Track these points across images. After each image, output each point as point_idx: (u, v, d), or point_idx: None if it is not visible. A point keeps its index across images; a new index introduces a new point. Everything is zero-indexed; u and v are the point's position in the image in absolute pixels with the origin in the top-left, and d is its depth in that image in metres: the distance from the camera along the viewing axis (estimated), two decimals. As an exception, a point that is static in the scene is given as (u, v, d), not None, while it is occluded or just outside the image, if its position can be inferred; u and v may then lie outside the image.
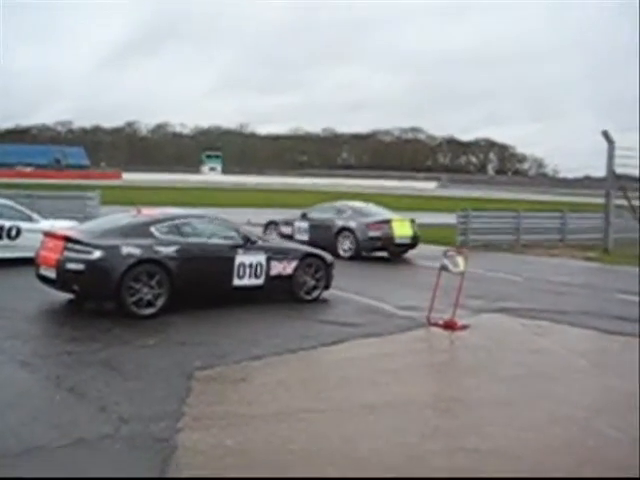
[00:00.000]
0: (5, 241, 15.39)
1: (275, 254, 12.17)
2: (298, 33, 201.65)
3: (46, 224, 15.55)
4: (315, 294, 12.56)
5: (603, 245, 25.18)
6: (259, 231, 18.60)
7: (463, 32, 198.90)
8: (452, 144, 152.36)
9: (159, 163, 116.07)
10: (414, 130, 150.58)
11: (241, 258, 11.71)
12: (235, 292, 11.81)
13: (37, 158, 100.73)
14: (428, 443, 6.19)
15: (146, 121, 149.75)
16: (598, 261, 22.21)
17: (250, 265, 11.79)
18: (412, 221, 20.62)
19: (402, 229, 20.03)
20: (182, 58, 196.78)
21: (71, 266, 10.34)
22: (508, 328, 11.32)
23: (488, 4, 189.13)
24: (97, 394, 7.02)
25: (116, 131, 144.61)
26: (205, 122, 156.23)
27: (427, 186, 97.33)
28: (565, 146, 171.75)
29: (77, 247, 10.46)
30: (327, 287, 12.77)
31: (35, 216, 16.39)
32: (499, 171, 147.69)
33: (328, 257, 13.01)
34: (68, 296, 11.27)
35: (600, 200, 27.44)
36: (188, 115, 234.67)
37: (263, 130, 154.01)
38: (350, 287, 13.70)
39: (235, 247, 11.75)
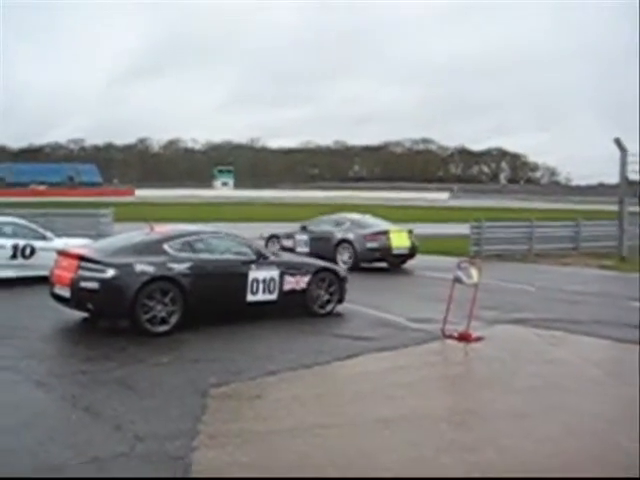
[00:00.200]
0: (20, 260, 15.49)
1: (288, 269, 12.18)
2: (307, 47, 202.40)
3: (60, 243, 15.64)
4: (329, 308, 12.56)
5: (617, 253, 25.05)
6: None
7: (470, 42, 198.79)
8: (464, 154, 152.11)
9: (171, 179, 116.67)
10: (425, 141, 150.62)
11: (254, 274, 11.72)
12: (249, 308, 11.82)
13: (50, 176, 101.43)
14: (444, 457, 6.16)
15: (158, 137, 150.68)
16: (612, 269, 22.08)
17: (263, 280, 11.81)
18: (410, 232, 20.89)
19: (400, 240, 20.33)
20: (193, 74, 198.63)
21: (85, 285, 10.39)
22: (523, 339, 11.27)
23: (492, 14, 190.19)
24: (112, 413, 7.04)
25: (128, 148, 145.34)
26: (216, 137, 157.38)
27: (439, 197, 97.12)
28: (577, 153, 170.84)
29: (91, 266, 10.50)
30: (341, 301, 12.77)
31: (49, 235, 16.49)
32: (511, 180, 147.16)
33: (341, 271, 13.03)
34: (82, 314, 11.31)
35: (614, 207, 27.29)
36: (199, 130, 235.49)
37: (274, 144, 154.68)
38: (362, 300, 13.66)
39: (248, 263, 11.77)
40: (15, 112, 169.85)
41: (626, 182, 25.08)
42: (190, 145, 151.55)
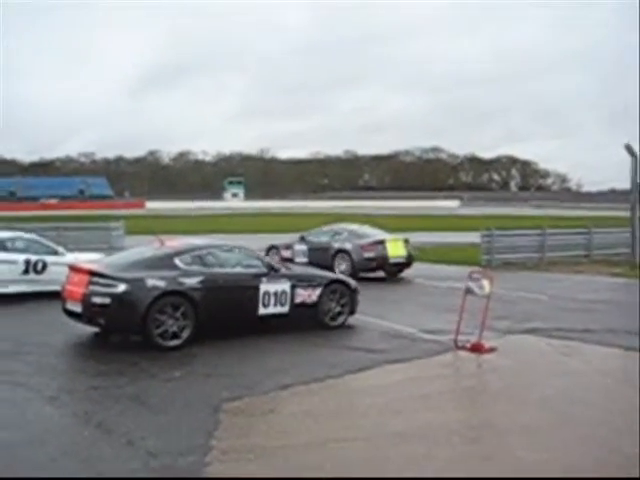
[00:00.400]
0: (32, 275, 15.55)
1: (299, 281, 12.16)
2: (316, 57, 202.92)
3: (71, 257, 15.69)
4: (340, 320, 12.52)
5: (630, 260, 24.89)
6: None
7: (479, 50, 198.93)
8: (474, 162, 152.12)
9: (182, 191, 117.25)
10: (435, 149, 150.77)
11: (266, 287, 11.71)
12: (260, 321, 11.81)
13: (61, 190, 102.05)
14: (458, 470, 6.12)
15: (168, 149, 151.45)
16: (625, 276, 21.90)
17: (275, 293, 11.79)
18: (406, 241, 21.15)
19: (396, 249, 20.55)
20: (202, 86, 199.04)
21: (97, 300, 10.41)
22: (535, 349, 11.20)
23: (502, 21, 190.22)
24: (125, 429, 7.03)
25: (138, 160, 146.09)
26: (226, 148, 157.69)
27: (450, 205, 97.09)
28: (588, 160, 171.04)
29: (102, 281, 10.52)
30: (352, 313, 12.73)
31: (60, 249, 16.54)
32: (522, 187, 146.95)
33: (352, 282, 12.98)
34: (94, 329, 11.31)
35: (626, 213, 27.12)
36: (209, 142, 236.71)
37: (284, 155, 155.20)
38: (372, 311, 13.60)
39: (259, 276, 11.76)
40: (26, 126, 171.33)
41: (638, 188, 24.92)
42: (200, 157, 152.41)
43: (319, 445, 6.69)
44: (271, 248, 22.56)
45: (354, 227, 22.17)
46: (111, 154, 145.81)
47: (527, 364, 10.24)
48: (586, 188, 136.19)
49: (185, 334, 10.61)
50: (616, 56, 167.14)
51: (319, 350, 10.82)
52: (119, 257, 12.30)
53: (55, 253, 16.14)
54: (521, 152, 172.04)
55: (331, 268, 18.97)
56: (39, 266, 15.61)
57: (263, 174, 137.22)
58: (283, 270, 12.25)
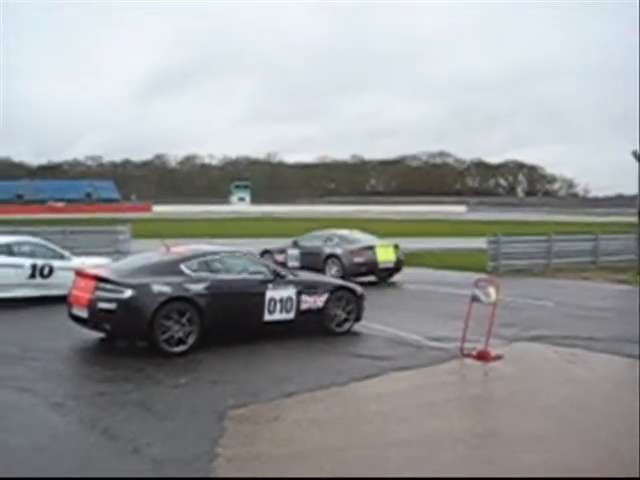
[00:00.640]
0: (38, 280, 15.58)
1: (305, 288, 12.16)
2: (322, 61, 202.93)
3: (77, 262, 15.74)
4: (346, 327, 12.51)
5: (636, 267, 24.81)
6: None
7: (486, 54, 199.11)
8: (480, 167, 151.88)
9: (188, 195, 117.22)
10: (442, 154, 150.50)
11: (271, 293, 11.71)
12: (266, 327, 11.80)
13: (69, 193, 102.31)
14: (460, 473, 6.12)
15: (174, 153, 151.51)
16: (632, 284, 21.86)
17: (280, 300, 11.78)
18: (396, 246, 21.65)
19: (385, 254, 21.16)
20: (209, 90, 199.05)
21: (103, 305, 10.43)
22: (541, 357, 11.18)
23: (508, 27, 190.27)
24: (130, 436, 7.04)
25: (145, 164, 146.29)
26: (233, 153, 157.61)
27: (456, 210, 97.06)
28: (595, 165, 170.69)
29: (108, 286, 10.54)
30: (358, 319, 12.72)
31: (67, 254, 16.59)
32: (529, 193, 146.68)
33: (358, 289, 12.97)
34: (100, 335, 11.33)
35: (634, 219, 27.04)
36: (216, 146, 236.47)
37: (291, 159, 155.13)
38: (377, 317, 13.53)
39: (265, 282, 11.76)
40: (34, 129, 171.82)
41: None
42: (207, 161, 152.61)
43: (324, 453, 6.69)
44: (265, 252, 22.86)
45: (345, 232, 22.78)
46: (118, 157, 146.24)
47: (533, 372, 10.22)
48: (593, 193, 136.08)
49: (191, 340, 10.61)
50: (627, 62, 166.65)
51: (325, 357, 10.82)
52: (125, 262, 12.32)
53: (61, 257, 16.18)
54: (528, 157, 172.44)
55: (322, 272, 19.33)
56: (45, 270, 15.65)
57: (270, 178, 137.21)
58: (289, 276, 12.25)
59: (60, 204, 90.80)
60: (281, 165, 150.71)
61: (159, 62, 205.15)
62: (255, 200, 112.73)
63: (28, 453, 6.56)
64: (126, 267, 11.48)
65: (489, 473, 6.24)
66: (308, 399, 8.51)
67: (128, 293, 10.39)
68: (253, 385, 9.03)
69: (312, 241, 22.36)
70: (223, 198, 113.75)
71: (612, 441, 7.16)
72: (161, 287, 10.56)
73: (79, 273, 11.46)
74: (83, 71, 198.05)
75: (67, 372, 9.95)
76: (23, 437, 6.99)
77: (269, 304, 11.67)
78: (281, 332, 11.95)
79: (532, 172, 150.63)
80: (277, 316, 11.78)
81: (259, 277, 11.83)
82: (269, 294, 11.68)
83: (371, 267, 20.81)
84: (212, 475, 6.01)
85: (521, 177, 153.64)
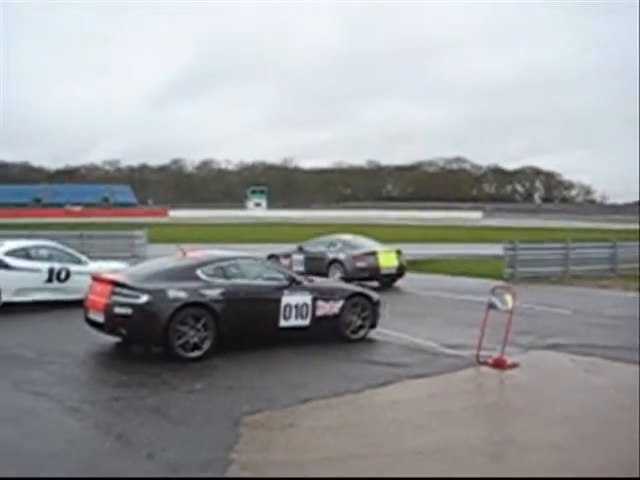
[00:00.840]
0: (55, 284, 15.67)
1: (321, 294, 12.14)
2: (339, 67, 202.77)
3: (94, 266, 15.83)
4: (361, 333, 12.48)
5: (655, 274, 24.59)
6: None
7: (503, 60, 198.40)
8: (497, 173, 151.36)
9: (205, 199, 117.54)
10: (458, 160, 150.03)
11: (287, 299, 11.70)
12: (281, 333, 11.79)
13: (86, 197, 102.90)
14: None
15: (191, 158, 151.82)
16: (649, 292, 21.67)
17: (296, 306, 11.77)
18: (398, 252, 21.86)
19: (388, 260, 21.37)
20: (225, 95, 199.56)
21: (119, 310, 10.46)
22: (558, 365, 11.09)
23: (525, 33, 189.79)
24: (146, 441, 7.04)
25: (162, 169, 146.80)
26: (249, 158, 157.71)
27: (473, 216, 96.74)
28: (612, 171, 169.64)
29: (124, 291, 10.58)
30: (373, 326, 12.69)
31: (84, 258, 16.68)
32: (546, 199, 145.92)
33: (374, 296, 12.93)
34: (116, 340, 11.36)
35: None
36: (233, 151, 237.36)
37: (307, 164, 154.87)
38: (392, 324, 13.52)
39: (281, 288, 11.76)
40: (52, 134, 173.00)
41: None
42: (223, 166, 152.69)
43: (338, 461, 6.66)
44: (270, 257, 22.84)
45: (348, 238, 23.00)
46: (135, 162, 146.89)
47: (549, 380, 10.15)
48: (611, 200, 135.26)
49: (206, 345, 10.62)
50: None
51: (340, 363, 10.79)
52: (142, 267, 12.36)
53: (78, 262, 16.27)
54: (545, 163, 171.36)
55: (326, 277, 19.44)
56: (62, 274, 15.73)
57: (286, 184, 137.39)
58: (305, 283, 12.24)
59: (77, 208, 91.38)
60: (297, 170, 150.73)
61: (177, 68, 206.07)
62: (271, 205, 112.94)
63: (44, 457, 6.58)
64: (142, 272, 11.51)
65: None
66: (323, 406, 8.49)
67: (144, 298, 10.42)
68: (268, 391, 9.02)
69: (316, 246, 22.69)
70: (239, 203, 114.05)
71: (630, 451, 7.07)
72: (177, 292, 10.58)
73: (96, 278, 11.51)
74: (101, 76, 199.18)
75: (83, 376, 9.99)
76: (38, 442, 7.02)
77: (285, 310, 11.66)
78: (296, 338, 11.93)
79: (549, 178, 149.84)
80: (293, 322, 11.77)
81: (275, 283, 11.83)
82: (285, 300, 11.67)
83: (373, 272, 21.01)
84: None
85: (538, 183, 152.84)
